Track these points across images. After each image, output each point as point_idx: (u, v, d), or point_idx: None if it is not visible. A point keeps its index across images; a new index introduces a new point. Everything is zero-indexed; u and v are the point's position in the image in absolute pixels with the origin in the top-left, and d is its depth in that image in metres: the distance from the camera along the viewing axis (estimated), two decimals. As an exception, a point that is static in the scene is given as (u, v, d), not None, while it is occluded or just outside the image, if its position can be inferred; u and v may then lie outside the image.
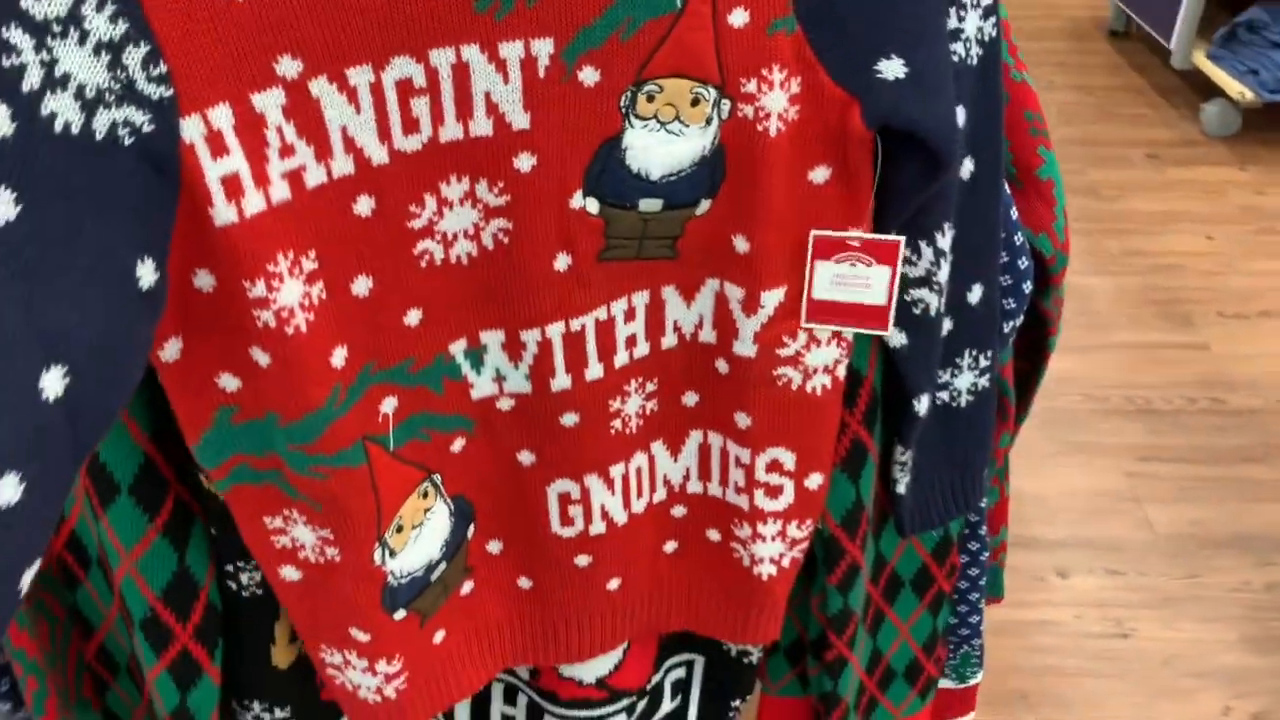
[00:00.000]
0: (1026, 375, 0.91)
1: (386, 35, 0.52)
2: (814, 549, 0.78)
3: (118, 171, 0.48)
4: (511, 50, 0.54)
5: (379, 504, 0.65)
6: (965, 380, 0.75)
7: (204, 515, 0.68)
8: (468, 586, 0.75)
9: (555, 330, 0.64)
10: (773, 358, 0.67)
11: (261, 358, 0.56)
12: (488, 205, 0.59)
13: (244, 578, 0.69)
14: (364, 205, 0.56)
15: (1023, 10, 3.43)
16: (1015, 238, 0.77)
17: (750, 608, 0.78)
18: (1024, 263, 0.77)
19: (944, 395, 0.75)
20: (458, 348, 0.64)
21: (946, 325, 0.72)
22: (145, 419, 0.62)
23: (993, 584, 1.09)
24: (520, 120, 0.56)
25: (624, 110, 0.57)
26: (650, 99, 0.57)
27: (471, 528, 0.72)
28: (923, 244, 0.66)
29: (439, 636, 0.74)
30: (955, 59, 0.62)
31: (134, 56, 0.46)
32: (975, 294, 0.72)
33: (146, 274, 0.50)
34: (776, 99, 0.58)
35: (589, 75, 0.56)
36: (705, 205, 0.62)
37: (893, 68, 0.58)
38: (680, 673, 0.89)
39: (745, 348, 0.67)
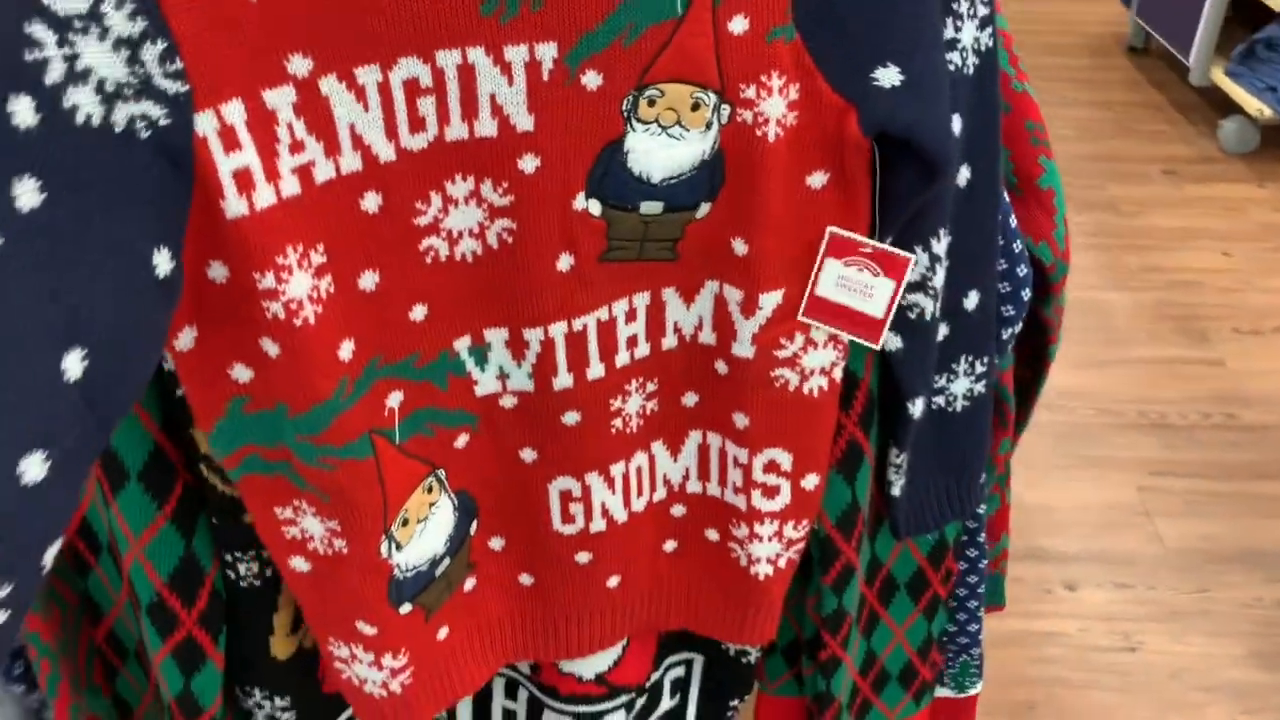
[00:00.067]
0: (1028, 383, 0.92)
1: (394, 36, 0.53)
2: (810, 549, 0.78)
3: (135, 163, 0.50)
4: (516, 53, 0.55)
5: (385, 497, 0.66)
6: (961, 386, 0.76)
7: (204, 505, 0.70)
8: (470, 583, 0.76)
9: (558, 329, 0.65)
10: (770, 359, 0.68)
11: (271, 348, 0.58)
12: (492, 205, 0.60)
13: (241, 568, 0.70)
14: (371, 201, 0.58)
15: (1042, 26, 3.44)
16: (1014, 245, 0.78)
17: (747, 608, 0.79)
18: (1023, 270, 0.78)
19: (940, 400, 0.76)
20: (462, 344, 0.65)
21: (943, 331, 0.73)
22: (156, 408, 0.63)
23: (994, 592, 1.10)
24: (524, 122, 0.58)
25: (626, 114, 0.59)
26: (651, 103, 0.59)
27: (474, 524, 0.74)
28: (918, 249, 0.67)
29: (443, 633, 0.76)
30: (951, 68, 0.63)
31: (151, 53, 0.48)
32: (972, 300, 0.73)
33: (163, 263, 0.52)
34: (775, 105, 0.59)
35: (592, 79, 0.57)
36: (705, 208, 0.63)
37: (889, 75, 0.59)
38: (679, 671, 0.90)
39: (743, 349, 0.68)
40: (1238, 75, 2.71)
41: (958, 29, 0.63)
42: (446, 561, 0.72)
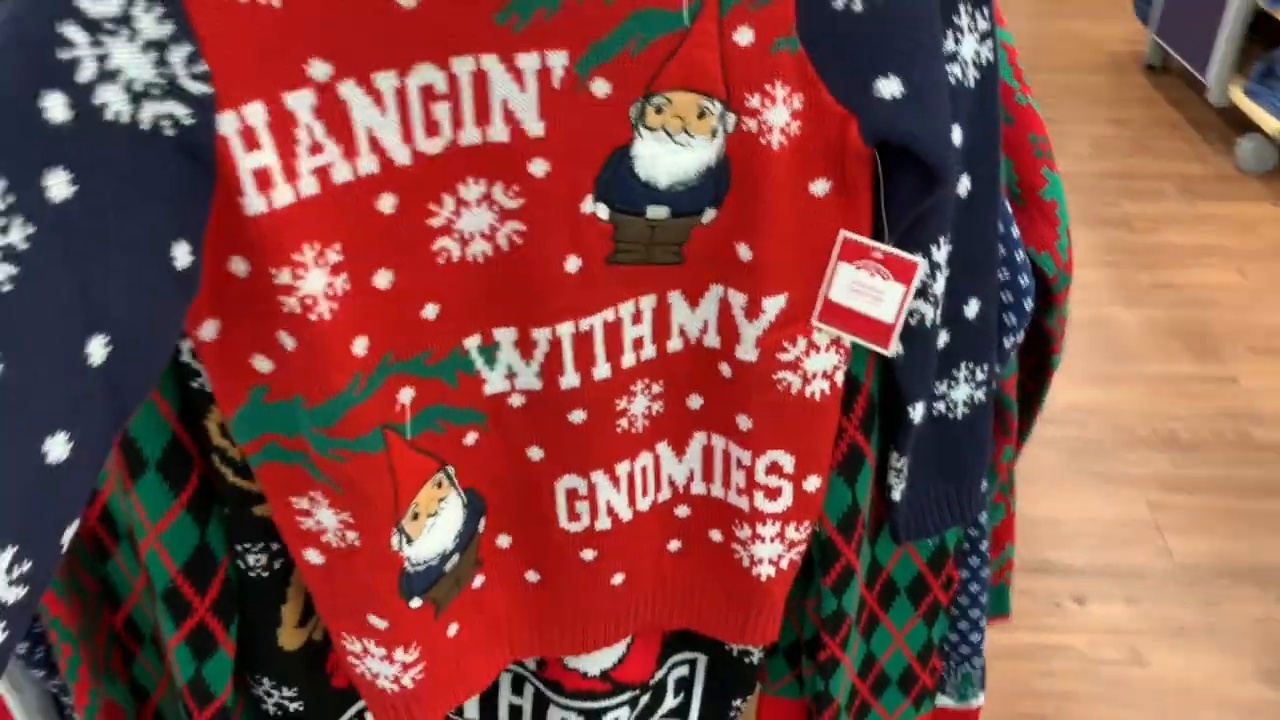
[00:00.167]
0: (1031, 392, 0.93)
1: (411, 43, 0.55)
2: (811, 551, 0.80)
3: (159, 160, 0.52)
4: (528, 61, 0.57)
5: (396, 490, 0.67)
6: (962, 393, 0.77)
7: (215, 495, 0.71)
8: (479, 580, 0.77)
9: (565, 330, 0.67)
10: (773, 362, 0.70)
11: (288, 341, 0.60)
12: (503, 207, 0.62)
13: (251, 559, 0.72)
14: (387, 202, 0.60)
15: (1061, 44, 3.46)
16: (1017, 255, 0.79)
17: (749, 608, 0.80)
18: (1025, 280, 0.79)
19: (940, 407, 0.77)
20: (472, 343, 0.67)
21: (944, 338, 0.74)
22: (174, 398, 0.65)
23: (998, 602, 1.10)
24: (535, 127, 0.59)
25: (634, 121, 0.60)
26: (659, 111, 0.61)
27: (483, 521, 0.75)
28: (919, 256, 0.69)
29: (452, 629, 0.77)
30: (952, 80, 0.65)
31: (178, 55, 0.50)
32: (972, 308, 0.74)
33: (181, 255, 0.54)
34: (779, 114, 0.61)
35: (601, 87, 0.59)
36: (710, 214, 0.65)
37: (890, 86, 0.61)
38: (683, 670, 0.91)
39: (747, 352, 0.69)
40: (1256, 94, 2.71)
41: (958, 42, 0.65)
42: (455, 558, 0.74)
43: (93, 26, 0.49)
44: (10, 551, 0.51)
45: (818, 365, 0.70)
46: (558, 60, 0.58)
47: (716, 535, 0.79)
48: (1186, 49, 2.93)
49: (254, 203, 0.55)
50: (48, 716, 0.90)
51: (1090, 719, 1.49)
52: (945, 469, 0.80)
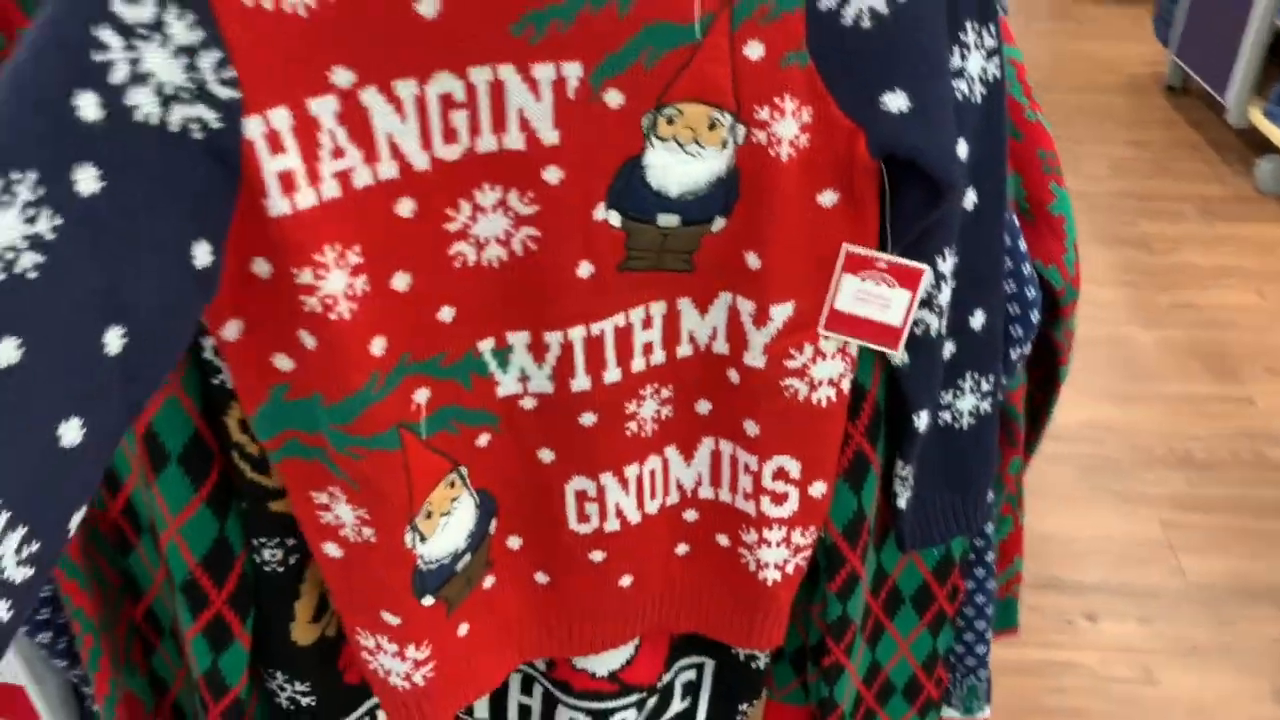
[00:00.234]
0: (1039, 405, 0.94)
1: (431, 53, 0.57)
2: (816, 557, 0.81)
3: (185, 161, 0.54)
4: (544, 72, 0.59)
5: (410, 489, 0.69)
6: (967, 403, 0.78)
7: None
8: (489, 581, 0.79)
9: (577, 334, 0.68)
10: (781, 369, 0.71)
11: (309, 340, 0.61)
12: (518, 213, 0.63)
13: (266, 554, 0.73)
14: (405, 207, 0.61)
15: (1082, 65, 3.46)
16: (1024, 268, 0.80)
17: (755, 612, 0.81)
18: (1031, 293, 0.80)
19: (946, 416, 0.78)
20: (486, 346, 0.68)
21: (949, 348, 0.75)
22: (197, 395, 0.67)
23: (1006, 617, 1.11)
24: (550, 136, 0.61)
25: (646, 131, 0.62)
26: (670, 122, 0.62)
27: (494, 522, 0.76)
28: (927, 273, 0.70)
29: (463, 629, 0.78)
30: (959, 95, 0.66)
31: (207, 61, 0.52)
32: (978, 319, 0.75)
33: (202, 255, 0.56)
34: (788, 126, 0.63)
35: (614, 97, 0.60)
36: (720, 223, 0.67)
37: (896, 101, 0.62)
38: (691, 675, 0.92)
39: (755, 359, 0.71)
40: (1275, 116, 2.71)
41: (964, 58, 0.66)
42: (467, 558, 0.75)
43: (127, 31, 0.51)
44: (21, 531, 0.52)
45: (824, 372, 0.71)
46: (573, 71, 0.59)
47: (723, 539, 0.80)
48: (1206, 70, 2.94)
49: (278, 204, 0.57)
50: (69, 708, 0.92)
51: (1101, 736, 1.49)
52: (951, 478, 0.81)
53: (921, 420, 0.75)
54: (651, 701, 0.89)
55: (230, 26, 0.52)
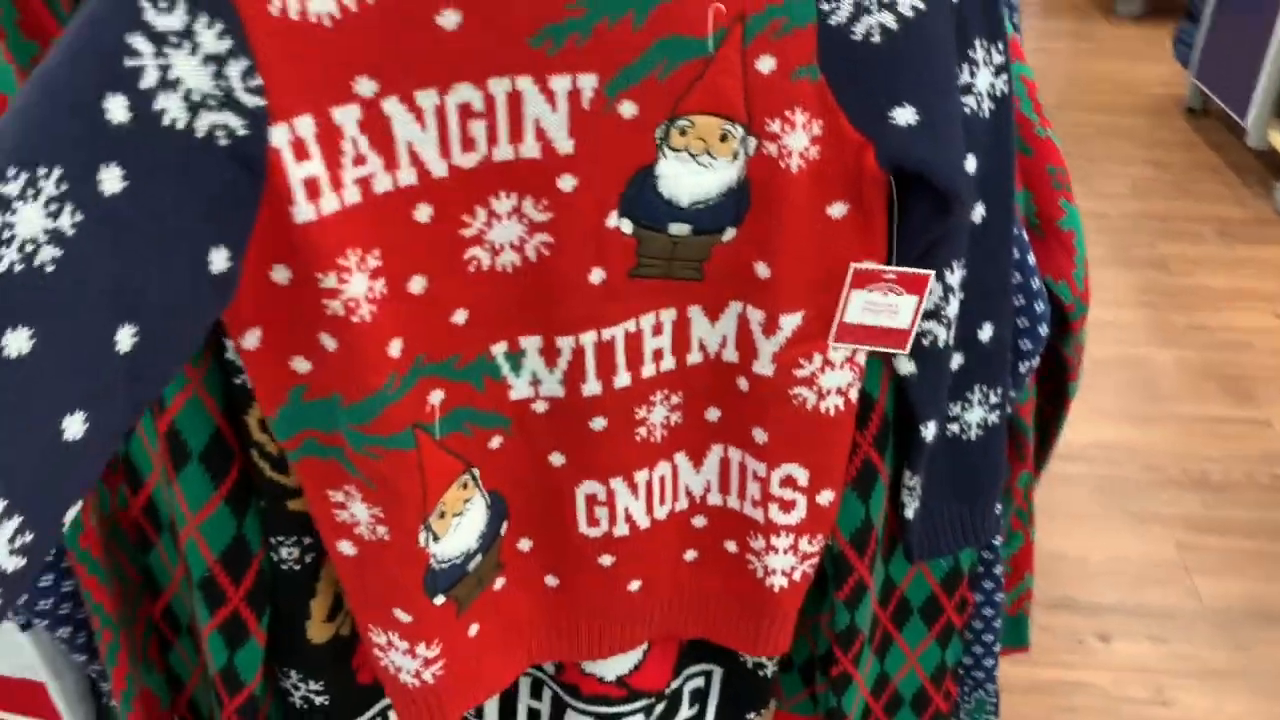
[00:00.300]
0: (1049, 419, 0.94)
1: (451, 65, 0.59)
2: (824, 566, 0.82)
3: (210, 168, 0.55)
4: (560, 83, 0.61)
5: (424, 488, 0.70)
6: (975, 415, 0.79)
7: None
8: (500, 583, 0.80)
9: (588, 339, 0.69)
10: (789, 378, 0.72)
11: (330, 343, 0.63)
12: (532, 220, 0.65)
13: (284, 552, 0.75)
14: (423, 213, 0.63)
15: (1102, 86, 3.46)
16: (1032, 282, 0.81)
17: (762, 619, 0.82)
18: (1040, 307, 0.81)
19: (954, 428, 0.79)
20: (499, 349, 0.70)
21: (958, 360, 0.76)
22: (219, 394, 0.69)
23: (1016, 633, 1.11)
24: (565, 145, 0.63)
25: (658, 142, 0.63)
26: (682, 133, 0.64)
27: (505, 524, 0.78)
28: (932, 279, 0.71)
29: (473, 629, 0.79)
30: (967, 110, 0.67)
31: (235, 69, 0.54)
32: (986, 332, 0.76)
33: (219, 260, 0.58)
34: (798, 139, 0.64)
35: (628, 108, 0.62)
36: (730, 233, 0.68)
37: (905, 115, 0.63)
38: (699, 682, 0.93)
39: (764, 367, 0.72)
40: (1296, 139, 2.71)
41: (973, 74, 0.67)
42: (478, 558, 0.77)
43: (158, 39, 0.53)
44: (16, 520, 0.53)
45: (832, 382, 0.72)
46: (588, 83, 0.61)
47: (732, 546, 0.81)
48: (1226, 92, 2.93)
49: (304, 210, 0.58)
50: (86, 704, 0.93)
51: (1112, 757, 1.49)
52: (959, 489, 0.82)
53: (929, 431, 0.76)
54: (659, 708, 0.89)
55: (258, 36, 0.54)
